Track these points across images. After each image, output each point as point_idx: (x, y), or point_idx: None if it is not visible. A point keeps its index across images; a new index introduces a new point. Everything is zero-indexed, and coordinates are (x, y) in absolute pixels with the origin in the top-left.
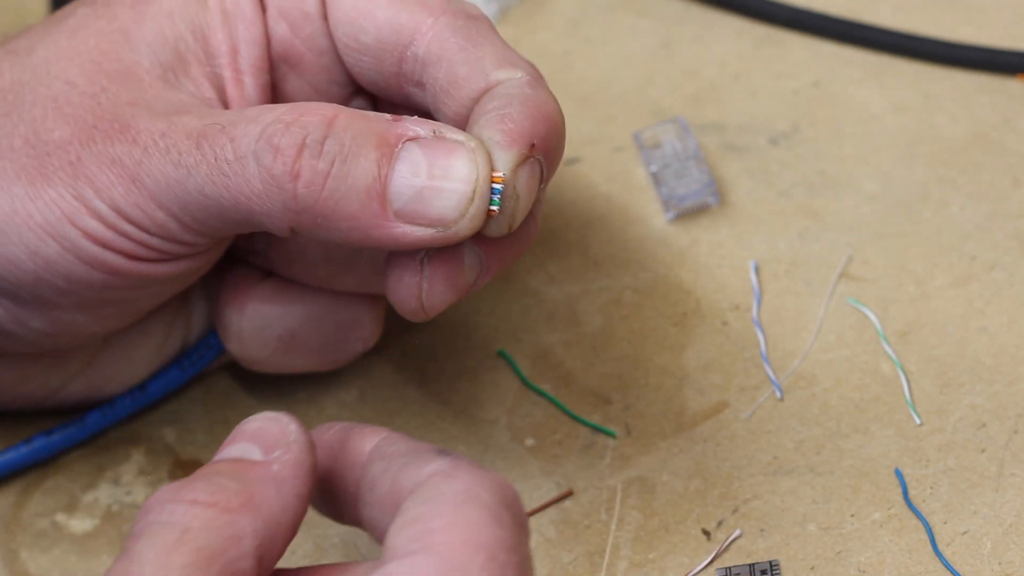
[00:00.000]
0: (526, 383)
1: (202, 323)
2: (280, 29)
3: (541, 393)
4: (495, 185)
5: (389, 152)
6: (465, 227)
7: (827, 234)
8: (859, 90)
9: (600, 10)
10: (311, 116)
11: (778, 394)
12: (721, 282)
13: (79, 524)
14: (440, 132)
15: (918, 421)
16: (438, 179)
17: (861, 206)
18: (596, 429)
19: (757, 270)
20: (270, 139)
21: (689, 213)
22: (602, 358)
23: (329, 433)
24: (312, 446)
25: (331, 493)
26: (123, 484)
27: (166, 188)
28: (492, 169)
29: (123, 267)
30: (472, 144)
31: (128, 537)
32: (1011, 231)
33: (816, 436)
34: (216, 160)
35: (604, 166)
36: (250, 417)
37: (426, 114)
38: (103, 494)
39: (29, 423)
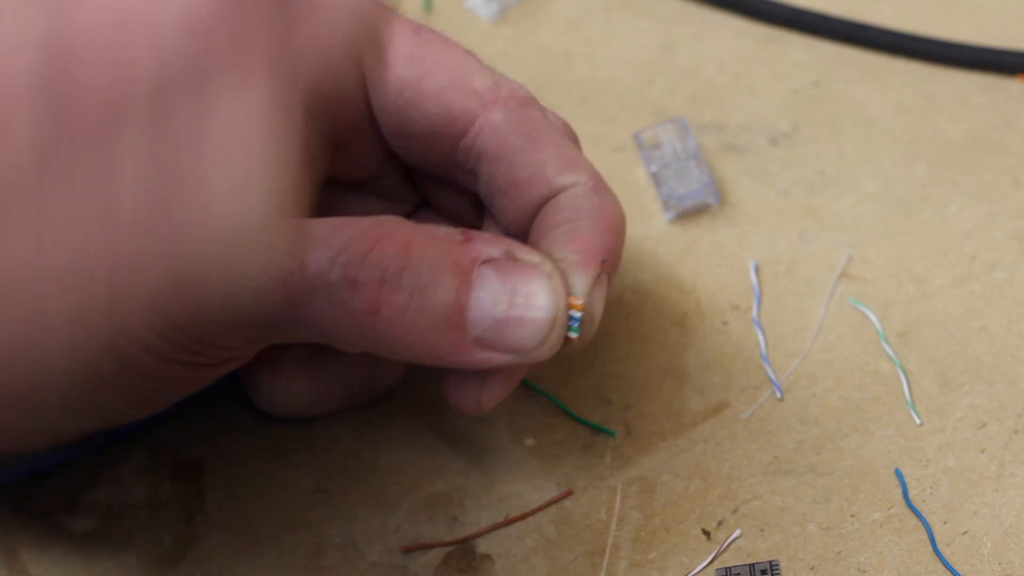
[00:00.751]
0: (526, 383)
1: None
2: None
3: (541, 393)
4: (573, 312)
5: (466, 280)
6: (544, 354)
7: (827, 234)
8: (859, 90)
9: (600, 10)
10: (386, 247)
11: (778, 394)
12: (721, 282)
13: (79, 524)
14: (513, 253)
15: (918, 421)
16: (518, 308)
17: (861, 206)
18: (596, 429)
19: (757, 270)
20: (346, 271)
21: (689, 213)
22: (602, 358)
23: None
24: None
25: None
26: (123, 484)
27: (230, 310)
28: (569, 293)
29: (182, 375)
30: (548, 268)
31: None
32: (1011, 231)
33: (816, 436)
34: (285, 286)
35: (604, 166)
36: None
37: (473, 197)
38: (103, 494)
39: None
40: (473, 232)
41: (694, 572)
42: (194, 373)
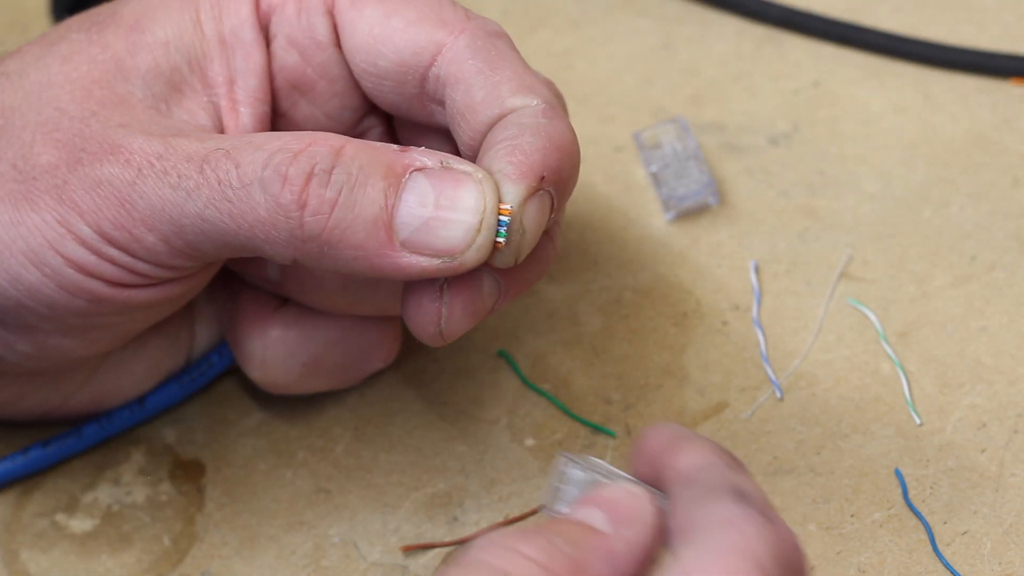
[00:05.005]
0: (526, 383)
1: (206, 336)
2: (290, 58)
3: (541, 393)
4: (502, 217)
5: (396, 182)
6: (471, 258)
7: (827, 234)
8: (859, 90)
9: (600, 10)
10: (319, 146)
11: (778, 394)
12: (721, 282)
13: (79, 524)
14: (447, 163)
15: (918, 421)
16: (445, 209)
17: (861, 206)
18: (596, 429)
19: (757, 270)
20: (278, 168)
21: (689, 213)
22: (602, 358)
23: (663, 435)
24: (659, 530)
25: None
26: (123, 484)
27: (160, 211)
28: (500, 200)
29: (105, 294)
30: (480, 175)
31: (451, 564)
32: (1011, 231)
33: (816, 436)
34: (220, 184)
35: (604, 166)
36: (612, 484)
37: (446, 134)
38: (103, 494)
39: (27, 431)
40: (411, 147)
41: None
42: (118, 294)
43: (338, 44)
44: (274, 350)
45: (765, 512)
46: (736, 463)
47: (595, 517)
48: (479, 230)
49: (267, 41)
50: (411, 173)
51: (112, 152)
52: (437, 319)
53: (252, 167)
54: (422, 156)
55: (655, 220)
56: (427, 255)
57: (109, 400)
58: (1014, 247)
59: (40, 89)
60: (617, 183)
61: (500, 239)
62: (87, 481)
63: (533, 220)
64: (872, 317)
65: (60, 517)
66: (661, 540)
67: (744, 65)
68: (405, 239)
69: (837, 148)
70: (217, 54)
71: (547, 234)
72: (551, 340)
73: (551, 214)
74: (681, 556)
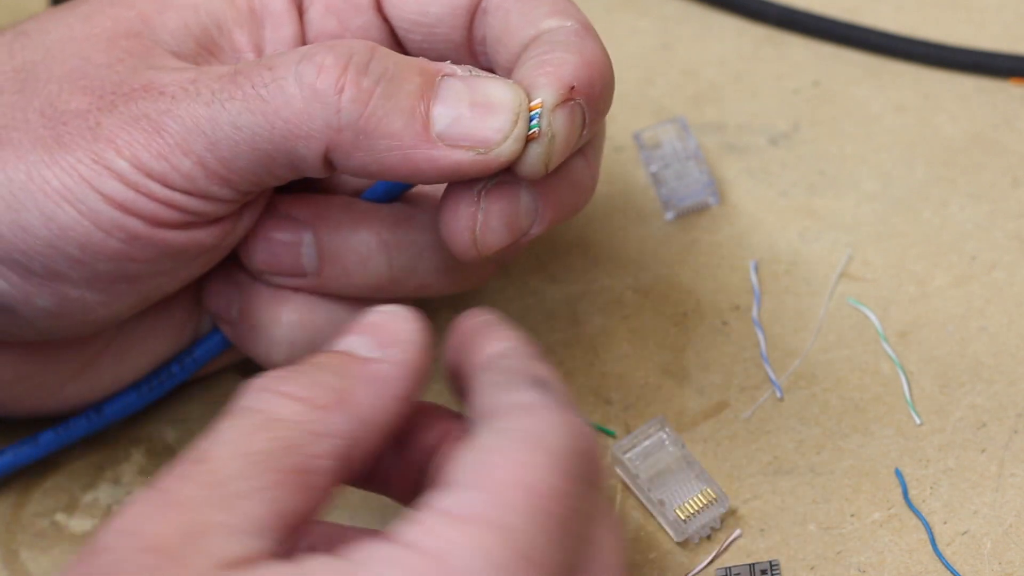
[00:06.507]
0: None
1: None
2: (328, 24)
3: None
4: (533, 111)
5: (431, 80)
6: (507, 150)
7: (827, 234)
8: (859, 90)
9: (600, 10)
10: (353, 42)
11: (778, 394)
12: (721, 282)
13: (79, 524)
14: (476, 72)
15: (918, 421)
16: (480, 105)
17: (861, 206)
18: (596, 429)
19: (757, 270)
20: (312, 58)
21: (689, 213)
22: (602, 358)
23: (468, 323)
24: (427, 348)
25: (454, 383)
26: (123, 484)
27: (194, 128)
28: (531, 100)
29: (142, 233)
30: (510, 81)
31: (220, 418)
32: (1011, 231)
33: (816, 436)
34: (254, 87)
35: (604, 166)
36: (375, 308)
37: (491, 71)
38: (103, 494)
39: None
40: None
41: (694, 572)
42: (155, 233)
43: (377, 7)
44: (284, 324)
45: (562, 403)
46: (538, 353)
47: (359, 344)
48: (515, 122)
49: (300, 12)
50: (443, 77)
51: (145, 90)
52: (473, 224)
53: (286, 65)
54: (452, 67)
55: (655, 220)
56: (463, 147)
57: (106, 393)
58: (1014, 247)
59: (62, 44)
60: (617, 183)
61: (534, 128)
62: (87, 481)
63: (564, 126)
64: (872, 317)
65: (60, 517)
66: (431, 359)
67: (744, 65)
68: (441, 131)
69: (837, 148)
70: (246, 22)
71: (584, 157)
72: (551, 340)
73: (583, 130)
74: (480, 438)
